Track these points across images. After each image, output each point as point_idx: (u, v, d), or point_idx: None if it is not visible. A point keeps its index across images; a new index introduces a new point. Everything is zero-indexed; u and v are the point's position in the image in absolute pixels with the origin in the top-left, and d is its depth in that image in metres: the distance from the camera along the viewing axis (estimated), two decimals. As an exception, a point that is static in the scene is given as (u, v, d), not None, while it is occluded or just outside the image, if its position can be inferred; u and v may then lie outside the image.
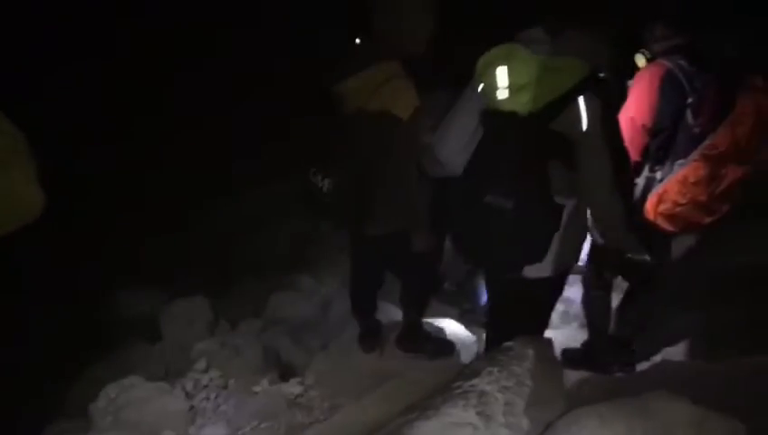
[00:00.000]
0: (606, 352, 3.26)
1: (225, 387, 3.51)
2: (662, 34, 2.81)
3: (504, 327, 2.84)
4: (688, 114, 2.77)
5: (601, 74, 2.21)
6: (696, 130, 2.78)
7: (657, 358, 3.30)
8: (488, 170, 2.22)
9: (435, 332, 3.60)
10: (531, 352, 2.12)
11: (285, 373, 3.62)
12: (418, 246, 2.83)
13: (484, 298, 3.95)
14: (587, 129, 2.10)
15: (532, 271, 2.30)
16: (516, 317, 2.49)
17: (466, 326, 3.85)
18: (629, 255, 2.46)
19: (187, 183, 6.19)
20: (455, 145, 2.36)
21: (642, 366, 3.20)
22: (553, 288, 2.50)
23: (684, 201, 2.75)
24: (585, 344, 3.39)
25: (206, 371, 3.59)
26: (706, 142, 2.76)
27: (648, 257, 2.46)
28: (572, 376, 2.85)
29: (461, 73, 2.53)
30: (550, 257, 2.26)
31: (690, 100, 2.73)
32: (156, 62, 6.47)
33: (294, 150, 3.06)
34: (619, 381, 2.82)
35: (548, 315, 2.67)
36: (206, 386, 3.49)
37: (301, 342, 3.99)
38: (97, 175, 6.01)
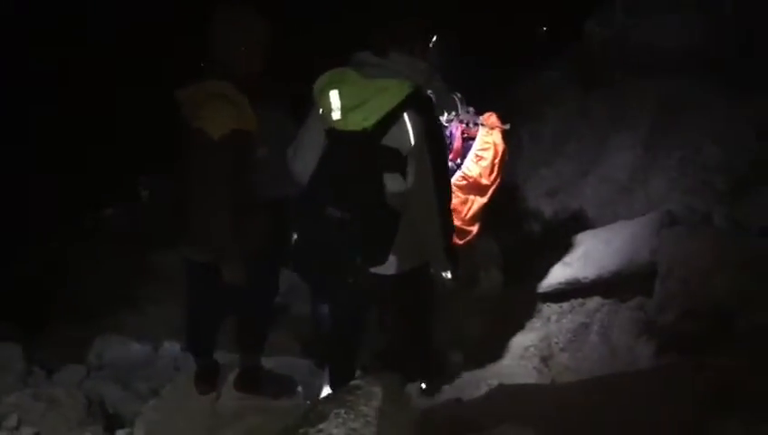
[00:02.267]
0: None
1: (41, 445, 3.13)
2: None
3: (350, 349, 2.85)
4: None
5: (429, 92, 2.51)
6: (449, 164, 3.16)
7: (493, 381, 3.41)
8: (328, 184, 2.40)
9: (275, 369, 3.46)
10: (378, 389, 2.08)
11: (112, 425, 3.31)
12: (227, 277, 2.70)
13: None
14: (414, 143, 2.30)
15: (379, 270, 2.45)
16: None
17: (309, 361, 3.77)
18: (436, 270, 2.60)
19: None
20: (303, 161, 2.51)
21: (479, 390, 3.30)
22: (399, 288, 2.63)
23: None
24: None
25: (17, 427, 3.18)
26: (457, 174, 3.19)
27: (450, 277, 2.59)
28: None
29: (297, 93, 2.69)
30: (392, 258, 2.44)
31: None
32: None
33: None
34: (464, 410, 2.86)
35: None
36: (17, 445, 3.10)
37: (129, 388, 3.69)
38: None
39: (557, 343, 3.38)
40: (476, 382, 3.37)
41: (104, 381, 3.72)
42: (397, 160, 2.33)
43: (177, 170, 2.74)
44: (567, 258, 3.55)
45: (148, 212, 2.68)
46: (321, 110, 2.42)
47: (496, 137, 3.30)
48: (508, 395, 2.94)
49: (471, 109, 3.38)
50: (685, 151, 3.87)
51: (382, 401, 2.05)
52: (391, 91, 2.30)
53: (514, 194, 4.54)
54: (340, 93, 2.35)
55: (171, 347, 3.92)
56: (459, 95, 3.38)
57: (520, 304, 3.80)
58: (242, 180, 2.63)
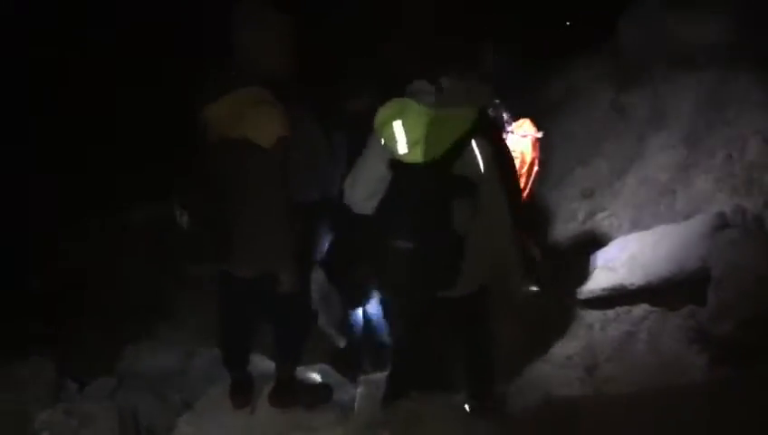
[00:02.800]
0: None
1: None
2: None
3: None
4: None
5: (489, 112, 2.51)
6: None
7: (533, 391, 3.30)
8: (396, 217, 2.38)
9: (307, 377, 3.43)
10: (427, 412, 2.02)
11: (146, 439, 3.26)
12: (285, 287, 2.64)
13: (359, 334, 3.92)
14: (484, 169, 2.28)
15: (445, 293, 2.46)
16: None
17: (340, 370, 3.74)
18: (515, 285, 2.64)
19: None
20: (363, 192, 2.49)
21: (520, 401, 3.19)
22: (463, 308, 2.65)
23: None
24: None
25: (49, 446, 3.13)
26: None
27: (536, 289, 2.68)
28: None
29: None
30: (460, 280, 2.41)
31: None
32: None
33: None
34: (507, 422, 2.78)
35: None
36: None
37: (162, 399, 3.62)
38: None
39: (602, 352, 3.25)
40: (516, 393, 3.27)
41: (136, 392, 3.66)
42: (467, 188, 2.31)
43: (204, 185, 2.64)
44: (611, 263, 3.41)
45: (185, 232, 2.57)
46: (383, 141, 2.38)
47: (525, 146, 3.22)
48: (550, 405, 2.86)
49: (505, 115, 3.29)
50: (730, 149, 3.71)
51: (431, 424, 2.00)
52: (457, 120, 2.29)
53: (549, 195, 4.43)
54: (404, 125, 2.32)
55: (204, 356, 3.86)
56: (498, 101, 3.27)
57: (559, 310, 3.68)
58: (287, 188, 2.56)
